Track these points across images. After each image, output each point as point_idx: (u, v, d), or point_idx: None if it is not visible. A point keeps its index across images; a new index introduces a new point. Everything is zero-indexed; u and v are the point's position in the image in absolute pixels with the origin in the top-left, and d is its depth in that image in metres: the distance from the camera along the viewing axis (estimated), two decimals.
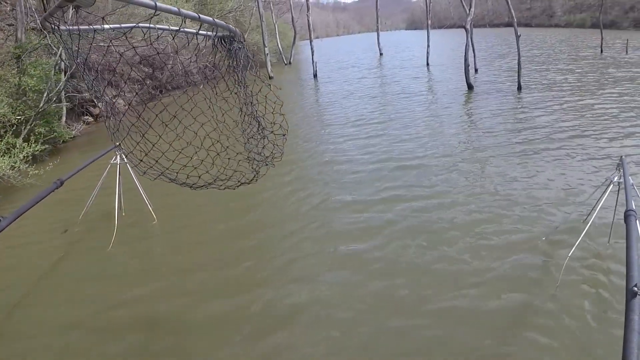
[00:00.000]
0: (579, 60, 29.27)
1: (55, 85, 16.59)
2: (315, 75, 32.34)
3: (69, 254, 7.51)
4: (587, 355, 4.38)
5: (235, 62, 4.13)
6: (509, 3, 19.27)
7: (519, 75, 19.28)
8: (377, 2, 48.14)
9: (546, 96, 17.70)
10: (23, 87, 14.65)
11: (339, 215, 8.09)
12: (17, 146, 11.98)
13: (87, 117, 20.78)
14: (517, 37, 18.99)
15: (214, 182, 4.62)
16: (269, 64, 30.91)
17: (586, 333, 4.63)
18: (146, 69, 26.45)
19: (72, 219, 8.40)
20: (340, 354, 4.74)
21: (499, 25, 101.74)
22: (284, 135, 4.48)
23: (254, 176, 4.63)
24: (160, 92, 27.25)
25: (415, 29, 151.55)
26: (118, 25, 4.25)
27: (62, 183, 5.37)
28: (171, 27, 3.97)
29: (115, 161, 7.74)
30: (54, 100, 16.45)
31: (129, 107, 4.28)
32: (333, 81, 30.04)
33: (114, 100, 4.80)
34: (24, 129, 14.03)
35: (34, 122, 14.58)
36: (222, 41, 4.06)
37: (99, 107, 20.96)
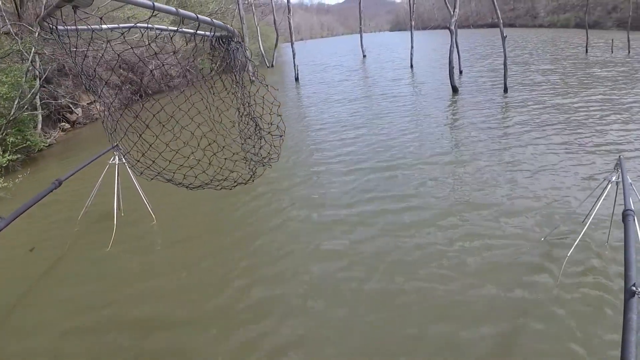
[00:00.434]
0: (563, 60, 29.23)
1: (28, 92, 15.93)
2: (296, 79, 31.76)
3: (68, 254, 7.51)
4: (586, 355, 4.38)
5: (233, 62, 4.12)
6: (495, 4, 18.80)
7: (505, 77, 18.79)
8: (360, 3, 47.76)
9: (532, 97, 17.48)
10: None
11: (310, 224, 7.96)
12: None
13: (64, 123, 20.10)
14: (503, 38, 18.54)
15: (211, 182, 4.66)
16: (250, 67, 29.92)
17: (585, 332, 4.65)
18: (125, 73, 25.88)
19: (71, 219, 8.34)
20: None
21: (483, 26, 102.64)
22: (280, 136, 4.50)
23: (251, 176, 4.66)
24: (140, 96, 26.67)
25: (399, 30, 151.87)
26: (116, 26, 4.27)
27: (60, 183, 5.43)
28: (169, 28, 4.05)
29: (113, 161, 7.75)
30: (26, 108, 15.68)
31: (126, 108, 4.28)
32: (314, 84, 29.55)
33: (109, 103, 4.76)
34: None
35: (5, 131, 13.91)
36: (220, 41, 4.05)
37: (75, 113, 20.73)
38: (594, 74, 22.46)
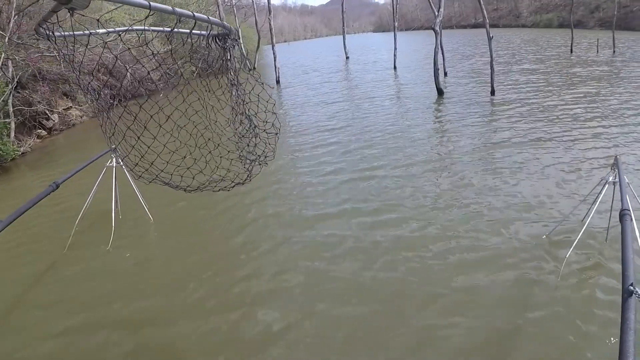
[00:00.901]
0: (549, 60, 29.07)
1: None
2: (277, 81, 30.98)
3: (67, 256, 7.54)
4: (585, 354, 4.39)
5: (229, 60, 4.13)
6: (482, 5, 18.22)
7: (492, 79, 18.21)
8: (342, 5, 47.15)
9: (520, 99, 17.10)
10: None
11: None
12: None
13: (40, 130, 19.43)
14: (490, 39, 17.96)
15: (208, 184, 4.69)
16: (230, 70, 29.36)
17: (584, 332, 4.67)
18: (104, 77, 25.28)
19: (70, 220, 8.19)
20: None
21: (466, 27, 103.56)
22: (276, 134, 4.55)
23: (247, 176, 4.65)
24: (120, 101, 26.00)
25: (382, 32, 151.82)
26: (113, 29, 4.30)
27: (57, 186, 5.46)
28: (165, 29, 4.07)
29: (111, 164, 7.79)
30: None
31: (124, 109, 4.15)
32: (295, 86, 28.93)
33: (107, 106, 4.75)
34: None
35: None
36: (216, 39, 4.02)
37: (52, 119, 20.12)
38: (581, 74, 22.34)
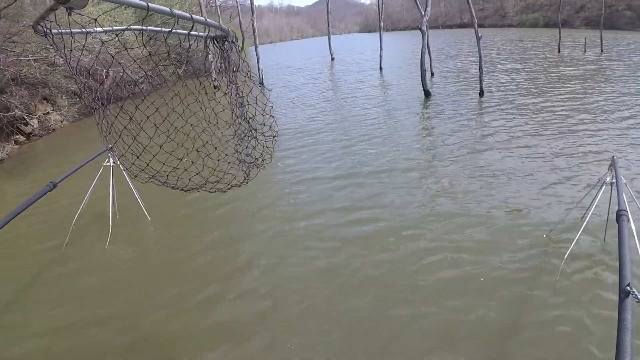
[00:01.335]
0: (537, 60, 28.93)
1: None
2: (261, 83, 29.72)
3: (64, 254, 7.53)
4: (583, 354, 4.41)
5: (227, 62, 4.12)
6: (470, 5, 17.73)
7: (480, 80, 17.72)
8: (327, 5, 46.68)
9: (510, 100, 16.76)
10: None
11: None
12: None
13: (18, 136, 18.85)
14: (478, 39, 17.40)
15: (205, 184, 4.68)
16: (214, 72, 28.76)
17: (583, 331, 4.67)
18: (85, 80, 24.50)
19: (67, 220, 8.11)
20: None
21: (452, 27, 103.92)
22: (274, 137, 4.54)
23: (245, 178, 4.64)
24: (102, 104, 25.44)
25: (369, 32, 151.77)
26: (110, 28, 4.33)
27: (54, 185, 5.47)
28: (163, 29, 4.07)
29: (108, 163, 7.77)
30: None
31: (120, 108, 4.19)
32: (279, 87, 28.27)
33: (104, 105, 4.67)
34: None
35: None
36: (214, 41, 4.03)
37: (31, 124, 19.50)
38: (570, 73, 22.22)
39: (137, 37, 3.81)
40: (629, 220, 3.65)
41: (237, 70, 4.21)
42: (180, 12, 3.03)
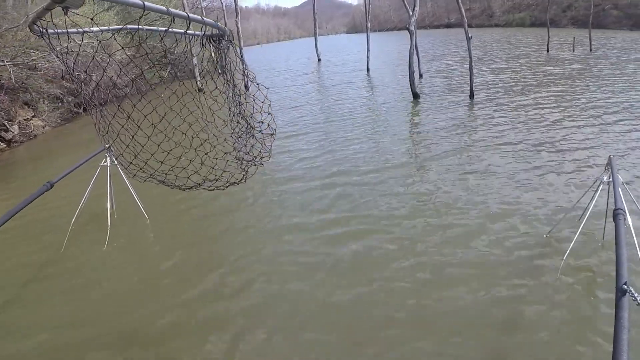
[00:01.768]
0: (525, 60, 28.60)
1: None
2: (246, 86, 29.06)
3: (64, 256, 7.44)
4: (582, 352, 4.38)
5: (224, 61, 4.16)
6: (460, 5, 17.09)
7: (470, 81, 17.04)
8: (314, 6, 46.07)
9: (501, 101, 16.22)
10: None
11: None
12: None
13: None
14: (468, 39, 16.74)
15: (203, 182, 4.72)
16: (197, 74, 28.57)
17: (582, 330, 4.66)
18: (68, 84, 23.71)
19: (66, 220, 7.99)
20: None
21: (439, 27, 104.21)
22: (272, 134, 4.56)
23: (243, 176, 4.66)
24: (84, 109, 24.67)
25: (356, 32, 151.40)
26: (107, 28, 4.43)
27: (52, 185, 5.47)
28: (159, 28, 4.08)
29: (105, 163, 7.72)
30: None
31: (118, 107, 4.08)
32: (263, 89, 27.27)
33: (101, 104, 4.64)
34: None
35: None
36: (211, 40, 4.07)
37: (11, 130, 18.48)
38: (559, 73, 21.94)
39: (133, 37, 3.88)
40: (625, 218, 3.65)
41: (232, 71, 4.27)
42: (176, 11, 3.05)
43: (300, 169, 10.79)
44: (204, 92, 4.60)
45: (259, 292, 5.91)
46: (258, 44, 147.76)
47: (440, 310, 5.18)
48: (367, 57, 31.65)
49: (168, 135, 4.51)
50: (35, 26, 3.42)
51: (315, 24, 47.56)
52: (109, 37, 4.19)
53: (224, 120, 4.68)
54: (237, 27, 30.98)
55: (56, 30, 3.69)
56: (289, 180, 10.09)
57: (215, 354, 4.85)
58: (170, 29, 3.55)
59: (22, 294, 6.48)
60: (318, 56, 45.28)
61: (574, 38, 33.59)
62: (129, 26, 4.24)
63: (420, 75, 24.33)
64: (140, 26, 4.08)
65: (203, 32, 3.95)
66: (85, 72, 4.41)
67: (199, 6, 47.10)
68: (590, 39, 31.55)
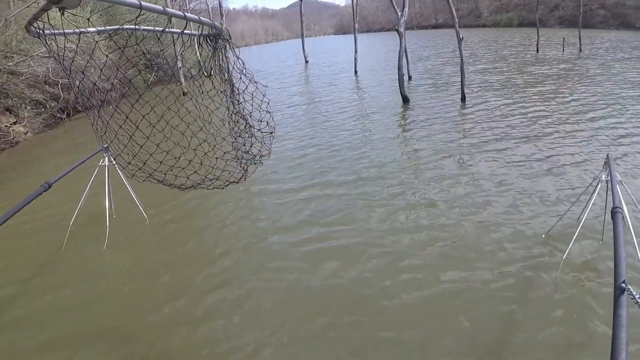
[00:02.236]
0: (516, 61, 28.37)
1: None
2: (232, 90, 28.42)
3: (63, 256, 7.43)
4: (581, 351, 4.41)
5: (221, 60, 4.17)
6: (451, 6, 16.52)
7: (462, 84, 16.53)
8: (301, 8, 45.73)
9: (494, 104, 15.82)
10: None
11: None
12: None
13: None
14: (459, 40, 16.22)
15: (202, 182, 4.75)
16: (182, 78, 27.83)
17: (581, 329, 4.68)
18: (50, 89, 23.03)
19: (64, 221, 8.04)
20: None
21: (427, 27, 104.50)
22: (271, 132, 4.57)
23: (243, 175, 4.69)
24: (68, 114, 24.04)
25: (344, 34, 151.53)
26: (103, 28, 4.47)
27: (49, 186, 5.48)
28: (156, 28, 4.16)
29: (103, 163, 7.67)
30: None
31: (116, 109, 4.09)
32: (248, 93, 26.80)
33: (99, 105, 4.61)
34: None
35: None
36: (208, 39, 4.05)
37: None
38: (551, 73, 21.78)
39: (130, 37, 3.92)
40: (624, 217, 3.65)
41: (230, 70, 4.22)
42: (173, 11, 3.06)
43: (283, 175, 10.46)
44: (188, 96, 4.63)
45: (258, 291, 5.93)
46: (246, 45, 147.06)
47: (440, 309, 5.21)
48: (355, 58, 31.10)
49: (166, 135, 4.49)
50: (32, 27, 3.38)
51: (302, 26, 47.07)
52: (91, 41, 4.19)
53: (222, 120, 4.69)
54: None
55: (53, 31, 3.70)
56: (273, 185, 9.84)
57: (214, 353, 4.86)
58: (167, 29, 3.67)
59: (23, 294, 6.45)
60: (305, 58, 44.78)
61: (563, 38, 33.76)
62: (125, 26, 4.21)
63: (410, 78, 23.85)
64: (137, 26, 4.09)
65: (200, 32, 3.89)
66: (83, 72, 4.25)
67: (186, 7, 46.77)
68: (580, 40, 31.62)
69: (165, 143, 4.43)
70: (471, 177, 9.16)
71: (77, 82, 4.40)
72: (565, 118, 13.15)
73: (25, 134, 20.12)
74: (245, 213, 8.57)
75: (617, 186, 4.64)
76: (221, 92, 4.49)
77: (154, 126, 4.25)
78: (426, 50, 43.59)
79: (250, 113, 4.53)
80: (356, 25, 33.96)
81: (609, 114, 13.18)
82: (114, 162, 7.28)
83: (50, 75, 21.37)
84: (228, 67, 4.26)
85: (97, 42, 4.08)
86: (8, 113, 20.21)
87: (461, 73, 16.50)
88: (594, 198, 5.64)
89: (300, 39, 46.90)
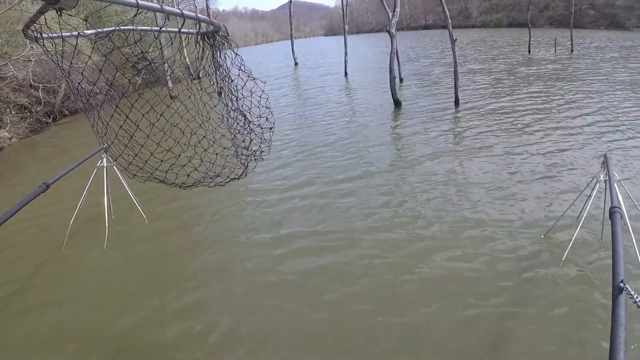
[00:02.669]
0: (506, 62, 28.20)
1: None
2: (219, 93, 27.96)
3: (63, 256, 7.45)
4: (580, 351, 4.39)
5: (219, 57, 4.15)
6: (445, 7, 16.10)
7: (455, 87, 16.05)
8: (290, 9, 45.26)
9: (488, 107, 15.52)
10: None
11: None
12: None
13: None
14: (453, 41, 15.77)
15: (204, 179, 4.74)
16: (169, 81, 27.37)
17: (580, 329, 4.65)
18: (36, 93, 22.47)
19: (64, 221, 8.04)
20: None
21: (417, 28, 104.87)
22: (270, 128, 4.59)
23: (243, 171, 4.67)
24: (54, 119, 23.52)
25: (333, 35, 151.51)
26: (100, 30, 4.45)
27: (47, 187, 5.43)
28: (153, 28, 4.37)
29: (101, 164, 7.68)
30: None
31: (115, 108, 4.03)
32: (260, 85, 26.49)
33: (98, 106, 4.54)
34: None
35: None
36: (205, 37, 4.04)
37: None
38: (546, 74, 21.64)
39: (128, 37, 3.77)
40: (622, 216, 3.65)
41: (229, 67, 4.22)
42: (170, 9, 3.10)
43: (275, 181, 10.10)
44: (174, 98, 4.44)
45: (257, 290, 5.97)
46: (236, 47, 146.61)
47: (440, 308, 5.23)
48: (345, 60, 30.65)
49: (167, 134, 4.47)
50: (29, 30, 3.36)
51: (291, 27, 46.65)
52: (76, 43, 3.92)
53: (220, 117, 4.70)
54: None
55: (50, 34, 3.68)
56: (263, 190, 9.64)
57: (213, 354, 4.87)
58: (163, 28, 3.65)
59: (16, 296, 6.46)
60: (295, 60, 44.32)
61: (555, 39, 33.85)
62: (122, 27, 4.19)
63: (401, 80, 23.45)
64: (134, 27, 4.06)
65: (197, 30, 3.88)
66: (82, 74, 4.18)
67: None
68: (571, 40, 31.67)
69: (166, 142, 4.45)
70: (470, 179, 9.05)
71: (77, 83, 4.33)
72: (563, 118, 13.07)
73: (10, 139, 19.64)
74: (238, 208, 8.75)
75: (616, 186, 4.67)
76: (214, 91, 4.52)
77: (153, 124, 4.23)
78: (414, 50, 43.59)
79: (250, 109, 4.54)
80: (346, 27, 33.57)
81: (607, 114, 13.12)
82: (112, 163, 7.25)
83: (31, 80, 20.85)
84: (226, 64, 4.25)
85: (94, 42, 3.99)
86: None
87: (454, 76, 16.04)
88: (592, 198, 5.64)
89: (290, 40, 46.62)
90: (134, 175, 4.61)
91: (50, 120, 23.09)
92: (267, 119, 4.55)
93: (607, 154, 5.54)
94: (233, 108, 4.56)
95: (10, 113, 20.43)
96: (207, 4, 30.57)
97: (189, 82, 4.60)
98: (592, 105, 14.35)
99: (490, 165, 9.74)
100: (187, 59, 43.21)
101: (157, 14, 28.56)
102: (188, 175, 4.57)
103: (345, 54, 30.83)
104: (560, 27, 58.14)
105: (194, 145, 4.55)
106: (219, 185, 4.82)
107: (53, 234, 8.15)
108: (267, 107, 4.46)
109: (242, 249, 7.19)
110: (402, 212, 7.85)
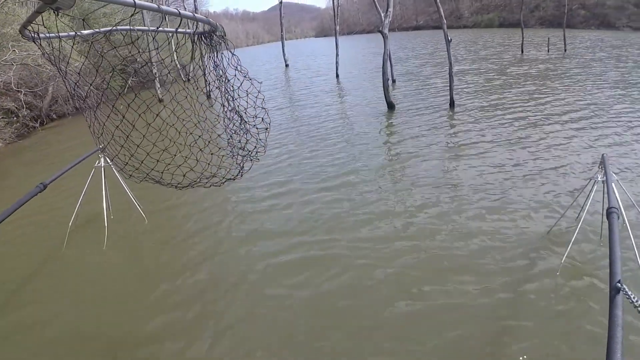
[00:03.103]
0: (501, 62, 28.03)
1: None
2: (208, 95, 27.50)
3: (63, 256, 7.44)
4: (580, 350, 4.42)
5: (216, 56, 4.19)
6: (440, 7, 15.83)
7: (450, 89, 15.71)
8: (280, 10, 44.85)
9: (483, 108, 15.32)
10: None
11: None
12: None
13: None
14: (448, 42, 15.43)
15: (199, 180, 4.81)
16: (157, 84, 26.66)
17: (580, 328, 4.69)
18: (23, 97, 21.94)
19: (63, 222, 8.02)
20: None
21: (408, 29, 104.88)
22: (266, 129, 4.63)
23: (239, 171, 4.70)
24: (41, 123, 23.02)
25: (325, 36, 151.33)
26: (97, 30, 4.51)
27: (45, 187, 5.42)
28: (150, 28, 4.50)
29: (99, 164, 7.63)
30: None
31: (112, 108, 4.06)
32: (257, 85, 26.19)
33: (95, 106, 4.57)
34: None
35: None
36: (202, 37, 4.05)
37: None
38: (538, 74, 21.62)
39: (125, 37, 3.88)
40: (619, 216, 3.65)
41: (225, 67, 4.25)
42: (167, 8, 3.13)
43: (264, 186, 9.76)
44: (164, 102, 4.55)
45: (258, 290, 5.95)
46: (233, 47, 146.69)
47: (441, 306, 5.26)
48: (337, 62, 30.21)
49: (163, 134, 4.46)
50: (26, 31, 3.36)
51: (282, 29, 46.26)
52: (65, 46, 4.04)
53: (216, 117, 4.72)
54: None
55: (48, 35, 3.68)
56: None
57: (213, 354, 4.87)
58: (160, 28, 3.66)
59: (16, 296, 6.45)
60: (285, 61, 43.88)
61: (548, 39, 33.89)
62: (119, 27, 4.22)
63: (394, 81, 23.12)
64: (131, 27, 4.10)
65: (194, 29, 3.89)
66: (79, 74, 4.24)
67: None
68: (564, 40, 31.76)
69: (162, 142, 4.47)
70: (468, 182, 8.99)
71: (74, 84, 4.32)
72: (559, 119, 13.08)
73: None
74: (240, 208, 8.75)
75: (614, 186, 4.70)
76: (202, 93, 4.61)
77: (149, 124, 4.21)
78: (404, 51, 43.56)
79: (245, 110, 4.56)
80: (337, 28, 33.21)
81: (602, 115, 13.19)
82: (110, 162, 7.25)
83: (13, 85, 20.30)
84: (223, 64, 4.27)
85: (91, 42, 3.98)
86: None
87: (450, 77, 15.68)
88: (591, 198, 5.66)
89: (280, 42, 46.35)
90: (130, 175, 4.67)
91: (37, 125, 22.59)
92: (262, 119, 4.55)
93: (604, 154, 5.55)
94: (229, 108, 4.57)
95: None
96: (195, 6, 30.13)
97: (184, 84, 4.66)
98: (587, 106, 14.35)
99: (487, 167, 9.68)
100: (177, 63, 43.09)
101: (149, 16, 28.40)
102: (184, 176, 4.61)
103: (337, 55, 30.38)
104: (550, 27, 58.57)
105: (190, 145, 4.64)
106: (215, 186, 4.87)
107: (52, 234, 8.14)
108: (262, 108, 4.45)
109: (243, 249, 7.13)
110: (396, 215, 7.76)
